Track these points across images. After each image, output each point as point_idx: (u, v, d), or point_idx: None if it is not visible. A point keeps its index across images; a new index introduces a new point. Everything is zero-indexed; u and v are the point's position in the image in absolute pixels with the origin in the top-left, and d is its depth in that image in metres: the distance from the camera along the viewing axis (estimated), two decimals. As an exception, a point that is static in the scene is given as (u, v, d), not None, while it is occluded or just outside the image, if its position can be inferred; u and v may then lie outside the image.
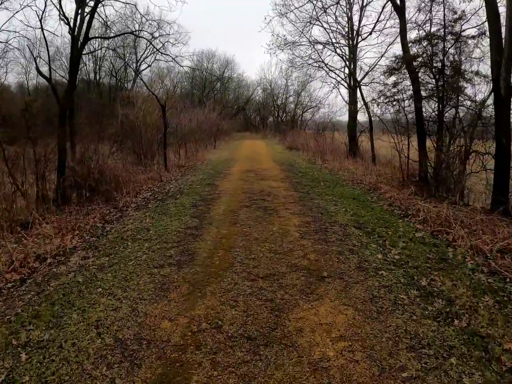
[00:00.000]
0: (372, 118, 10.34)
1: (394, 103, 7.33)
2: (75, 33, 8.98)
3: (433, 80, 7.19)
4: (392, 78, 7.68)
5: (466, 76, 6.54)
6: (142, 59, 36.34)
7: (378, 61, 12.23)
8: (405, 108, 7.95)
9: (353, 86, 13.17)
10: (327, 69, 13.39)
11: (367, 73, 12.48)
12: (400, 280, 2.85)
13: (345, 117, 23.59)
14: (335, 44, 12.81)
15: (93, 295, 2.68)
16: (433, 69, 7.24)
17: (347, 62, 13.08)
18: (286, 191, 6.45)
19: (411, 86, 7.58)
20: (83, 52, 9.35)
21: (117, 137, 12.94)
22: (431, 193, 6.02)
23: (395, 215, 4.85)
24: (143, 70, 36.55)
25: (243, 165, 10.45)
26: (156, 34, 11.39)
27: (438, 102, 7.23)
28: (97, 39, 30.91)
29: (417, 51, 7.41)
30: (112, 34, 14.41)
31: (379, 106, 7.74)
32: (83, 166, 7.11)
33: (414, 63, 7.27)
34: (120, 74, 33.20)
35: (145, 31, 11.89)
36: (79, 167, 7.05)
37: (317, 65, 13.46)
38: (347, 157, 12.26)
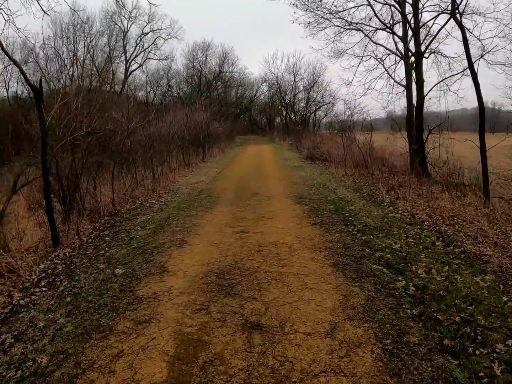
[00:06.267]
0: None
1: None
2: None
3: None
4: None
5: None
6: (131, 58, 31.99)
7: None
8: None
9: (417, 54, 7.65)
10: (374, 26, 7.85)
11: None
12: None
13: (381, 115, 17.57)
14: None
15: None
16: None
17: (401, 13, 7.56)
18: None
19: None
20: None
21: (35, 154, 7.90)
22: None
23: None
24: (134, 70, 32.17)
25: (220, 229, 4.44)
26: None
27: None
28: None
29: None
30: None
31: None
32: None
33: None
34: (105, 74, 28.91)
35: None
36: None
37: (355, 24, 7.95)
38: (414, 177, 6.74)
